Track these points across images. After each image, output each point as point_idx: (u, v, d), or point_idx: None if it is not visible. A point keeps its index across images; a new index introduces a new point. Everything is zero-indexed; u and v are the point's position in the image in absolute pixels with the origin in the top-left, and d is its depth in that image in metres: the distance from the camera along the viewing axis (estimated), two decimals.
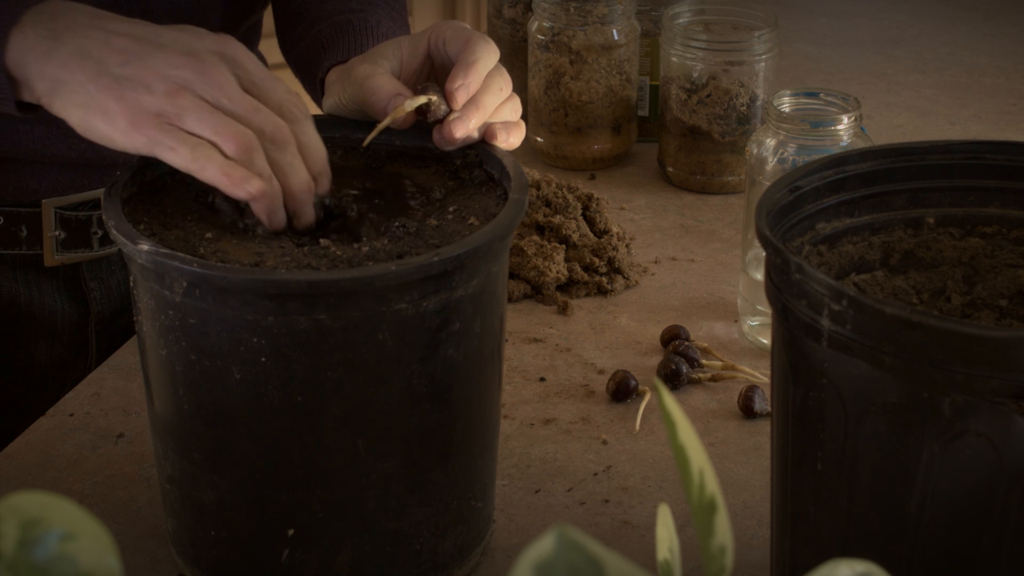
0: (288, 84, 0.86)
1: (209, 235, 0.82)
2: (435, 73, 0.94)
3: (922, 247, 0.84)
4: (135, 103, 0.80)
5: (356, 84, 0.91)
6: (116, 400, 1.05)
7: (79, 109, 0.82)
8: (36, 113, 0.87)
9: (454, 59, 0.91)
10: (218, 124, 0.80)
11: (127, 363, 1.10)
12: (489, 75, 0.90)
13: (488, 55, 0.90)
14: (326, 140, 0.86)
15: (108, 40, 0.82)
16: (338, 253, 0.80)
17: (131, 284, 0.81)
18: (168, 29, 0.84)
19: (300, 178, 0.82)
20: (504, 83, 0.91)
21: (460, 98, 0.88)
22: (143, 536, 0.91)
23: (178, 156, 0.80)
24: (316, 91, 1.04)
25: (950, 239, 0.84)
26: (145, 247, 0.77)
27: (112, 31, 0.83)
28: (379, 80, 0.90)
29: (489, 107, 0.89)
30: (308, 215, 0.83)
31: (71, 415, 1.03)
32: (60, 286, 1.15)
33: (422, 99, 0.89)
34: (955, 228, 0.84)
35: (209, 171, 0.79)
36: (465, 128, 0.88)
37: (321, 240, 0.82)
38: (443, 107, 0.89)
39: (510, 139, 0.90)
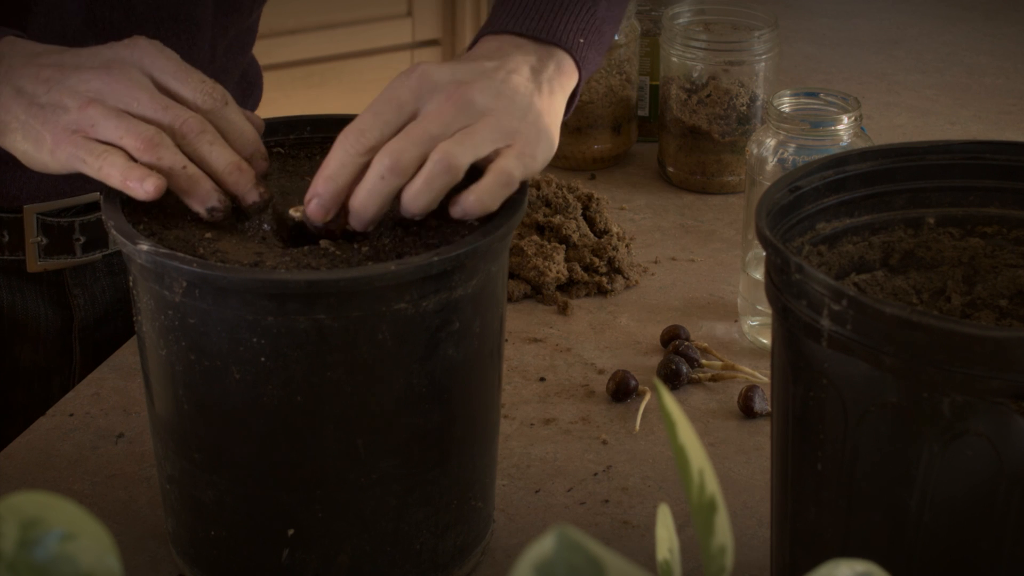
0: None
1: (209, 235, 0.82)
2: None
3: (922, 247, 0.84)
4: (56, 124, 0.82)
5: None
6: (116, 400, 1.05)
7: (21, 143, 0.84)
8: None
9: None
10: (122, 127, 0.81)
11: (127, 363, 1.09)
12: (345, 133, 0.82)
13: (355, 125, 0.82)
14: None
15: (37, 73, 0.84)
16: (338, 253, 0.80)
17: (131, 284, 0.81)
18: (94, 48, 0.85)
19: (222, 161, 0.83)
20: (351, 141, 0.81)
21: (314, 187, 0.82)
22: (143, 536, 0.91)
23: (88, 167, 0.81)
24: None
25: (950, 239, 0.84)
26: (145, 247, 0.77)
27: (42, 64, 0.85)
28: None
29: (336, 174, 0.81)
30: (251, 195, 0.83)
31: (71, 415, 1.03)
32: (43, 292, 1.15)
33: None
34: (955, 228, 0.84)
35: (113, 178, 0.81)
36: (321, 209, 0.81)
37: (321, 240, 0.82)
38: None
39: (468, 212, 0.81)
